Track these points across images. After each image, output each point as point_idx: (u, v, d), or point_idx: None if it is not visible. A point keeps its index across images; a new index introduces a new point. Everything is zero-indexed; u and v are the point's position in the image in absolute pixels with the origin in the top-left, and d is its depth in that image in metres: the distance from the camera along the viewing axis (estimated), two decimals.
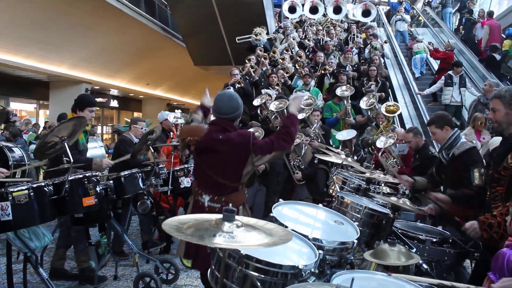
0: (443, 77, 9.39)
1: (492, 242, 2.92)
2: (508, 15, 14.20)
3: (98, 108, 23.24)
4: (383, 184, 4.67)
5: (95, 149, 6.11)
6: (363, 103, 7.64)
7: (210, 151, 3.14)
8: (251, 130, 6.05)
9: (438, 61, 11.42)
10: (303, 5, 14.36)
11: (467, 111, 8.99)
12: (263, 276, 1.93)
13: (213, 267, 2.06)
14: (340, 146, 6.42)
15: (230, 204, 2.97)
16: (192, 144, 3.20)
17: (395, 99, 10.12)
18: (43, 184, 3.49)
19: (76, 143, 4.49)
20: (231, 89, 8.07)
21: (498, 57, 10.91)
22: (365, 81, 8.95)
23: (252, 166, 3.14)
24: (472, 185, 3.70)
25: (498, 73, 10.80)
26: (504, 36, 11.57)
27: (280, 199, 2.91)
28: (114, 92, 22.91)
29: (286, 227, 2.32)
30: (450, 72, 9.33)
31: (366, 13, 13.71)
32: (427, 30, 15.45)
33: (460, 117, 9.30)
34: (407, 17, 14.61)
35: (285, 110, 7.08)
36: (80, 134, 4.31)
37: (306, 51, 11.29)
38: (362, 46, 11.51)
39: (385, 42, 11.33)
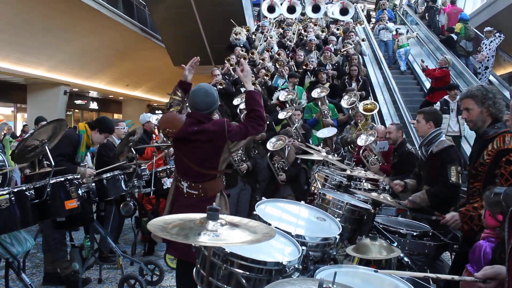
0: (438, 103, 8.40)
1: (472, 233, 3.00)
2: (480, 13, 14.64)
3: (78, 111, 23.03)
4: (364, 180, 4.75)
5: None
6: (344, 102, 7.72)
7: (187, 142, 3.19)
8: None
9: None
10: (281, 3, 14.41)
11: (467, 142, 8.55)
12: (248, 273, 1.95)
13: (198, 265, 2.08)
14: (321, 144, 6.48)
15: (208, 192, 3.06)
16: (171, 136, 3.26)
17: (375, 97, 10.22)
18: (24, 188, 3.45)
19: (76, 153, 4.55)
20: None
21: (455, 37, 12.37)
22: (347, 80, 9.04)
23: (229, 153, 3.20)
24: (448, 183, 3.79)
25: (456, 51, 12.27)
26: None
27: (263, 198, 2.94)
28: (93, 94, 22.68)
29: (270, 224, 2.35)
30: (446, 97, 8.41)
31: (343, 11, 13.81)
32: (405, 28, 15.64)
33: (458, 149, 7.22)
34: (391, 26, 13.62)
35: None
36: (60, 137, 4.26)
37: (286, 50, 11.35)
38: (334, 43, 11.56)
39: (363, 40, 11.35)
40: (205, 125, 3.18)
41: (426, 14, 15.70)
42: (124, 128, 5.92)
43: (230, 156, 3.27)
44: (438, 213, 3.39)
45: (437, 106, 8.24)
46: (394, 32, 13.17)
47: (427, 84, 11.08)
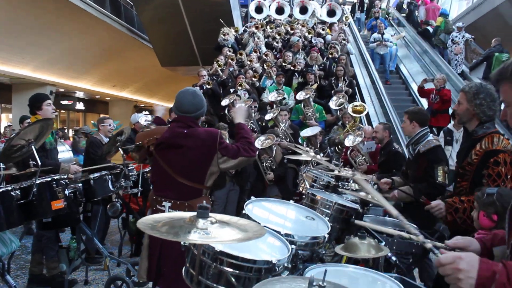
0: (442, 132, 7.34)
1: (453, 225, 3.07)
2: (465, 16, 14.88)
3: (64, 111, 22.80)
4: (351, 181, 4.76)
5: (63, 153, 5.98)
6: (332, 103, 7.76)
7: (173, 147, 2.97)
8: None
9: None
10: (269, 5, 14.44)
11: None
12: (237, 271, 1.95)
13: (187, 265, 2.07)
14: (305, 144, 6.48)
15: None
16: (152, 144, 3.03)
17: (362, 97, 10.29)
18: (10, 188, 3.41)
19: (43, 143, 4.39)
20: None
21: (430, 29, 13.80)
22: (333, 81, 9.08)
23: (217, 167, 2.98)
24: (435, 183, 3.82)
25: (431, 42, 13.56)
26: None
27: (252, 197, 2.93)
28: (80, 94, 22.51)
29: (259, 223, 2.35)
30: (450, 126, 7.27)
31: (331, 13, 13.90)
32: (391, 29, 15.75)
33: None
34: (390, 40, 12.77)
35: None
36: (47, 136, 4.23)
37: (274, 51, 11.38)
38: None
39: (343, 39, 11.36)
40: (197, 129, 3.01)
41: (406, 9, 16.60)
42: (110, 125, 5.87)
43: (218, 172, 3.03)
44: (425, 198, 3.42)
45: (441, 137, 7.06)
46: (392, 45, 12.81)
47: (414, 86, 11.18)
